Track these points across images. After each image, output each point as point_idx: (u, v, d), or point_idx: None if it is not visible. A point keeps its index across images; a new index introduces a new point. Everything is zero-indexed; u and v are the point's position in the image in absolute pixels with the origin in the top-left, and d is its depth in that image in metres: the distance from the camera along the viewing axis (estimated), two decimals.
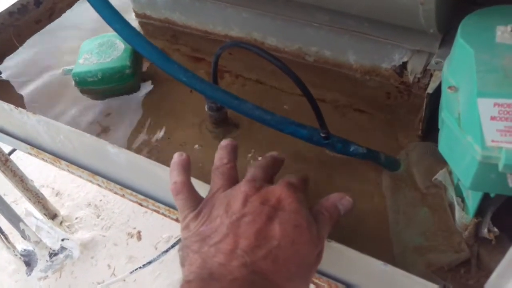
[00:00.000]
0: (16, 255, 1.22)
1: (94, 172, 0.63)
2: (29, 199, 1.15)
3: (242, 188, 0.42)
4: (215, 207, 0.42)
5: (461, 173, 0.41)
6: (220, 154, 0.48)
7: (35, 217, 1.28)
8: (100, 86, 0.69)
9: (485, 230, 0.45)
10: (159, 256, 1.09)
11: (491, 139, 0.36)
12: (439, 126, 0.45)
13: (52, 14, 0.86)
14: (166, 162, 0.49)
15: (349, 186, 0.55)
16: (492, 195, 0.41)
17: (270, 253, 0.37)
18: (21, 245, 1.25)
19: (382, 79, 0.65)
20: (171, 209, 0.58)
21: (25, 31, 0.82)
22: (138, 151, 0.62)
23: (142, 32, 0.80)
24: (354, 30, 0.62)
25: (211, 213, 0.41)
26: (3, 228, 1.16)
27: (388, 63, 0.63)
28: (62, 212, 1.31)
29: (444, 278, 0.46)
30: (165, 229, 1.26)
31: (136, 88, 0.71)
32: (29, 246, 1.24)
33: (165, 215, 0.60)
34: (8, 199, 1.16)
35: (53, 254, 1.23)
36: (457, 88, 0.42)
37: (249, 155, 0.60)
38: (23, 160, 1.32)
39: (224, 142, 0.49)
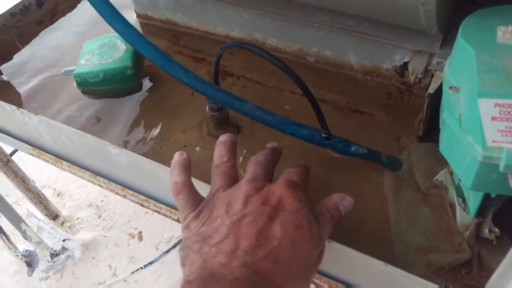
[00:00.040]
0: (18, 255, 1.22)
1: (96, 173, 0.64)
2: (31, 199, 1.15)
3: (242, 188, 0.42)
4: (216, 207, 0.41)
5: (462, 173, 0.41)
6: (220, 151, 0.47)
7: (37, 218, 1.29)
8: (102, 86, 0.69)
9: (486, 230, 0.44)
10: (160, 257, 1.09)
11: (492, 139, 0.36)
12: (440, 127, 0.45)
13: (54, 15, 0.86)
14: (167, 163, 0.49)
15: (350, 187, 0.55)
16: (493, 195, 0.41)
17: (270, 253, 0.37)
18: (23, 245, 1.25)
19: (383, 79, 0.65)
20: (172, 210, 0.58)
21: (27, 32, 0.82)
22: (139, 151, 0.62)
23: (143, 32, 0.80)
24: (355, 31, 0.62)
25: (212, 213, 0.41)
26: (5, 229, 1.16)
27: (389, 64, 0.63)
28: (64, 212, 1.31)
29: (445, 278, 0.46)
30: (166, 229, 1.26)
31: (138, 89, 0.71)
32: (31, 247, 1.24)
33: (166, 216, 0.60)
34: (9, 200, 1.16)
35: (54, 255, 1.23)
36: (458, 88, 0.42)
37: (249, 155, 0.60)
38: (25, 160, 1.33)
39: (223, 138, 0.48)
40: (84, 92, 0.71)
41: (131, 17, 0.82)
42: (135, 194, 0.61)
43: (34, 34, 0.83)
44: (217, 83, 0.56)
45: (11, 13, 0.80)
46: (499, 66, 0.39)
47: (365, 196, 0.54)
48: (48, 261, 1.23)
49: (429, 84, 0.53)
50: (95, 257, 1.25)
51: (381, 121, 0.62)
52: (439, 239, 0.49)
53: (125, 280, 1.18)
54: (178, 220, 0.58)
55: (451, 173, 0.50)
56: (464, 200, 0.47)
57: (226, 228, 0.39)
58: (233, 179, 0.45)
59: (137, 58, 0.69)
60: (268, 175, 0.45)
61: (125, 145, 0.64)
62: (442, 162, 0.47)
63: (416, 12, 0.49)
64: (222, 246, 0.38)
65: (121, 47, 0.70)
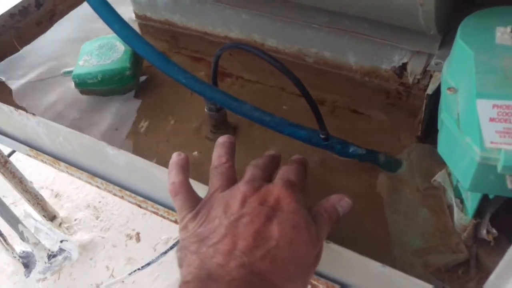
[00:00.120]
0: (15, 256, 1.22)
1: (93, 174, 0.63)
2: (28, 200, 1.14)
3: (240, 188, 0.42)
4: (214, 208, 0.41)
5: (460, 174, 0.41)
6: (218, 152, 0.47)
7: (34, 219, 1.28)
8: (100, 87, 0.69)
9: (484, 231, 0.44)
10: (158, 258, 1.09)
11: (490, 140, 0.36)
12: (438, 127, 0.45)
13: (53, 16, 0.86)
14: (165, 164, 0.49)
15: (348, 187, 0.55)
16: (491, 196, 0.41)
17: (268, 254, 0.37)
18: (20, 246, 1.24)
19: (381, 80, 0.65)
20: (170, 211, 0.58)
21: (26, 33, 0.82)
22: (137, 152, 0.62)
23: (142, 33, 0.80)
24: (354, 31, 0.62)
25: (210, 214, 0.41)
26: (2, 230, 1.16)
27: (387, 64, 0.63)
28: (61, 213, 1.31)
29: (442, 280, 0.46)
30: (164, 230, 1.26)
31: (136, 90, 0.71)
32: (28, 248, 1.24)
33: (164, 217, 0.60)
34: (7, 201, 1.16)
35: (51, 256, 1.23)
36: (457, 89, 0.42)
37: (248, 156, 0.60)
38: (23, 161, 1.32)
39: (222, 139, 0.48)
40: (82, 93, 0.71)
41: (129, 16, 0.82)
42: (133, 195, 0.61)
43: (33, 35, 0.83)
44: (216, 84, 0.56)
45: (10, 14, 0.80)
46: (497, 67, 0.39)
47: (362, 197, 0.53)
48: (45, 262, 1.22)
49: (428, 85, 0.53)
50: (92, 258, 1.24)
51: (379, 122, 0.62)
52: (437, 240, 0.49)
53: (123, 281, 1.17)
54: (175, 221, 0.58)
55: (449, 174, 0.50)
56: (462, 201, 0.47)
57: (224, 229, 0.39)
58: (231, 180, 0.45)
59: (135, 59, 0.69)
60: (266, 178, 0.45)
61: (123, 146, 0.64)
62: (440, 163, 0.47)
63: (414, 13, 0.49)
64: (219, 246, 0.38)
65: (120, 48, 0.70)
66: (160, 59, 0.52)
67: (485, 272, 0.46)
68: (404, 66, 0.62)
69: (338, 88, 0.66)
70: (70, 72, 0.70)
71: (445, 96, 0.43)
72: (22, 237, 1.16)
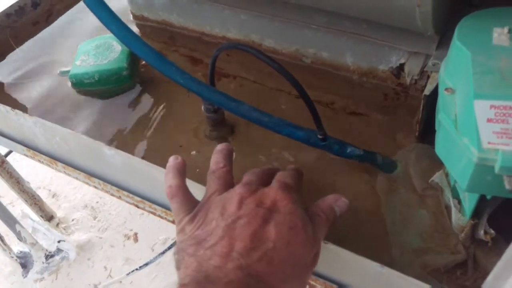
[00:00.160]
0: (12, 257, 1.22)
1: (91, 174, 0.63)
2: (26, 201, 1.14)
3: (237, 190, 0.42)
4: (211, 210, 0.41)
5: (457, 175, 0.41)
6: (216, 158, 0.48)
7: (32, 219, 1.28)
8: (97, 87, 0.69)
9: (482, 232, 0.45)
10: (155, 258, 1.09)
11: (487, 141, 0.36)
12: (436, 128, 0.45)
13: (50, 16, 0.85)
14: (162, 164, 0.49)
15: (345, 188, 0.55)
16: (488, 197, 0.41)
17: (265, 255, 0.37)
18: (17, 247, 1.24)
19: (379, 81, 0.65)
20: (167, 211, 0.58)
21: (22, 32, 0.82)
22: (134, 153, 0.62)
23: (139, 33, 0.80)
24: (352, 32, 0.62)
25: (207, 216, 0.41)
26: None
27: (385, 65, 0.63)
28: (59, 214, 1.31)
29: (440, 280, 0.46)
30: (162, 231, 1.26)
31: (133, 90, 0.71)
32: (25, 248, 1.23)
33: (161, 217, 0.60)
34: (4, 201, 1.16)
35: (49, 256, 1.23)
36: (454, 90, 0.42)
37: (246, 156, 0.60)
38: (20, 162, 1.32)
39: (220, 146, 0.49)
40: (79, 92, 0.71)
41: (127, 19, 0.82)
42: (130, 195, 0.60)
43: (30, 35, 0.82)
44: (213, 85, 0.56)
45: (7, 13, 0.80)
46: (494, 67, 0.39)
47: (360, 197, 0.54)
48: (43, 263, 1.22)
49: (425, 86, 0.53)
50: (90, 258, 1.24)
51: (377, 122, 0.62)
52: (435, 240, 0.49)
53: (121, 282, 1.17)
54: (173, 222, 0.57)
55: (447, 175, 0.50)
56: (459, 202, 0.47)
57: (221, 231, 0.39)
58: (228, 184, 0.45)
59: (132, 59, 0.69)
60: (263, 183, 0.45)
61: (120, 146, 0.64)
62: (438, 164, 0.47)
63: (412, 14, 0.49)
64: (217, 248, 0.38)
65: (117, 48, 0.70)
66: (157, 59, 0.52)
67: (482, 273, 0.46)
68: (401, 67, 0.62)
69: (335, 88, 0.66)
70: (66, 72, 0.70)
71: (443, 97, 0.43)
72: (20, 237, 1.16)
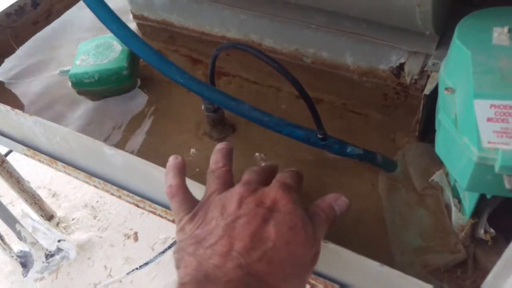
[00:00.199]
0: (12, 256, 1.22)
1: (91, 174, 0.63)
2: (26, 200, 1.14)
3: (237, 190, 0.42)
4: (210, 210, 0.41)
5: (457, 174, 0.41)
6: (216, 157, 0.48)
7: (32, 218, 1.28)
8: (97, 87, 0.69)
9: (482, 231, 0.45)
10: (155, 257, 1.09)
11: (487, 140, 0.36)
12: (436, 127, 0.45)
13: (50, 15, 0.85)
14: (162, 163, 0.49)
15: (345, 187, 0.55)
16: (488, 196, 0.41)
17: (265, 255, 0.37)
18: (17, 246, 1.24)
19: (379, 80, 0.65)
20: (167, 211, 0.58)
21: (22, 32, 0.82)
22: (134, 152, 0.62)
23: (139, 33, 0.80)
24: (352, 32, 0.62)
25: (206, 216, 0.41)
26: (0, 230, 1.15)
27: (385, 65, 0.63)
28: (59, 213, 1.31)
29: (441, 279, 0.46)
30: (162, 230, 1.26)
31: (133, 90, 0.71)
32: (25, 247, 1.24)
33: (161, 216, 0.60)
34: (4, 201, 1.16)
35: (49, 255, 1.23)
36: (454, 89, 0.42)
37: (246, 156, 0.60)
38: (20, 161, 1.32)
39: (220, 146, 0.49)
40: (79, 92, 0.71)
41: (127, 18, 0.82)
42: (131, 194, 0.60)
43: (30, 35, 0.82)
44: (213, 84, 0.56)
45: (6, 13, 0.80)
46: (494, 67, 0.39)
47: (360, 197, 0.54)
48: (43, 262, 1.22)
49: (425, 85, 0.53)
50: (90, 257, 1.24)
51: (377, 122, 0.62)
52: (435, 239, 0.49)
53: (121, 281, 1.17)
54: (173, 221, 0.57)
55: (447, 174, 0.50)
56: (459, 201, 0.47)
57: (221, 230, 0.39)
58: (228, 183, 0.45)
59: (132, 58, 0.69)
60: (263, 182, 0.45)
61: (119, 145, 0.64)
62: (438, 163, 0.47)
63: (412, 13, 0.49)
64: (216, 247, 0.38)
65: (117, 47, 0.70)
66: (157, 59, 0.52)
67: (482, 272, 0.46)
68: (401, 67, 0.62)
69: (335, 88, 0.66)
70: (66, 72, 0.70)
71: (443, 96, 0.43)
72: (20, 237, 1.16)
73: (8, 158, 1.04)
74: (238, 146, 0.58)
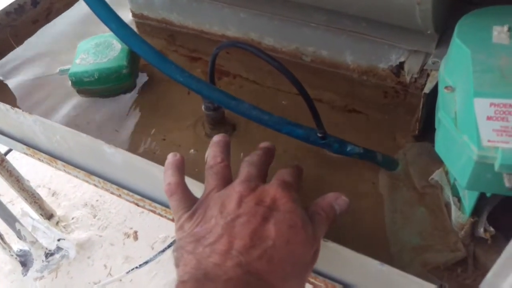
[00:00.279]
0: (12, 255, 1.22)
1: (91, 172, 0.63)
2: (25, 199, 1.14)
3: (236, 188, 0.42)
4: (210, 208, 0.41)
5: (457, 172, 0.41)
6: (213, 151, 0.47)
7: (31, 217, 1.28)
8: (97, 86, 0.69)
9: (481, 230, 0.45)
10: (155, 256, 1.09)
11: (487, 139, 0.36)
12: (436, 126, 0.45)
13: (49, 14, 0.85)
14: (162, 162, 0.49)
15: (345, 186, 0.55)
16: (488, 194, 0.41)
17: (265, 253, 0.37)
18: (17, 245, 1.24)
19: (379, 79, 0.65)
20: (167, 209, 0.58)
21: (22, 31, 0.82)
22: (134, 151, 0.62)
23: (139, 32, 0.80)
24: (352, 30, 0.62)
25: (206, 214, 0.41)
26: None
27: (385, 63, 0.63)
28: (59, 212, 1.31)
29: (441, 278, 0.46)
30: (162, 229, 1.26)
31: (133, 88, 0.71)
32: (25, 246, 1.23)
33: (161, 215, 0.60)
34: (4, 199, 1.16)
35: (49, 254, 1.23)
36: (454, 88, 0.42)
37: (246, 155, 0.60)
38: (19, 160, 1.32)
39: (217, 138, 0.48)
40: (79, 91, 0.71)
41: (127, 17, 0.82)
42: (130, 193, 0.60)
43: (29, 33, 0.82)
44: (213, 83, 0.56)
45: (6, 12, 0.80)
46: (494, 66, 0.39)
47: (360, 196, 0.54)
48: (42, 261, 1.22)
49: (425, 84, 0.53)
50: (90, 256, 1.24)
51: (376, 120, 0.62)
52: (435, 238, 0.49)
53: (120, 280, 1.17)
54: (173, 220, 0.57)
55: (447, 173, 0.50)
56: (459, 200, 0.47)
57: (220, 229, 0.39)
58: (227, 179, 0.45)
59: (132, 57, 0.69)
60: (262, 175, 0.45)
61: (119, 144, 0.64)
62: (438, 162, 0.47)
63: (412, 12, 0.49)
64: (216, 246, 0.38)
65: (117, 46, 0.70)
66: (157, 57, 0.52)
67: (482, 270, 0.46)
68: (401, 65, 0.62)
69: (335, 87, 0.66)
70: (66, 71, 0.70)
71: (443, 95, 0.43)
72: (20, 236, 1.16)
73: (8, 157, 1.04)
74: (238, 145, 0.58)
